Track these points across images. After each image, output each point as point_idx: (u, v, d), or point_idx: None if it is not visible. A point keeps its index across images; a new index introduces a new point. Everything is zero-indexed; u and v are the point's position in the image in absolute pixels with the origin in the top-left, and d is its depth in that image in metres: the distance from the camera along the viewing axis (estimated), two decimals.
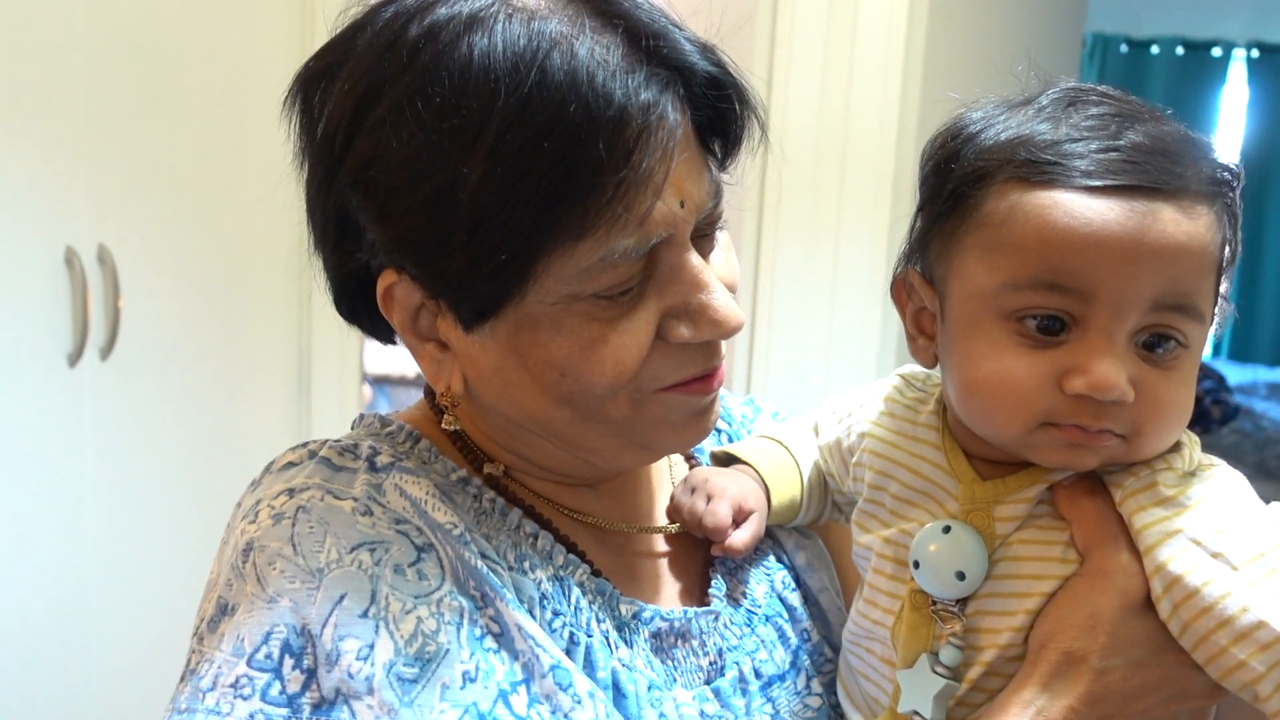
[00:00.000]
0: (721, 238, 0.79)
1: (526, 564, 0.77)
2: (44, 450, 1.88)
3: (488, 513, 0.79)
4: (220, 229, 2.12)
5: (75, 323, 1.88)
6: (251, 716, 0.65)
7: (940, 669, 0.76)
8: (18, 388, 1.83)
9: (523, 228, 0.68)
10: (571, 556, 0.80)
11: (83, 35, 1.84)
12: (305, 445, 0.79)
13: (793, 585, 0.91)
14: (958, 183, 0.75)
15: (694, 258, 0.74)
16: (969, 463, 0.79)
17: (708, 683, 0.82)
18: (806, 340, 1.96)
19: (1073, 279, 0.70)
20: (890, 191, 1.87)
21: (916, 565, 0.77)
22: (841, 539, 0.93)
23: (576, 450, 0.80)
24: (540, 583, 0.77)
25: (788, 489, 0.90)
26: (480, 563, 0.73)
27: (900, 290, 0.82)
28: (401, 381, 4.06)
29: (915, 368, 0.87)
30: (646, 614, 0.81)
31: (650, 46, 0.71)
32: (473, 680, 0.68)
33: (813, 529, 0.97)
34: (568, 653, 0.75)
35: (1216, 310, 0.76)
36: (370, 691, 0.66)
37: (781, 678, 0.85)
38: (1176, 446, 0.76)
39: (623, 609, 0.80)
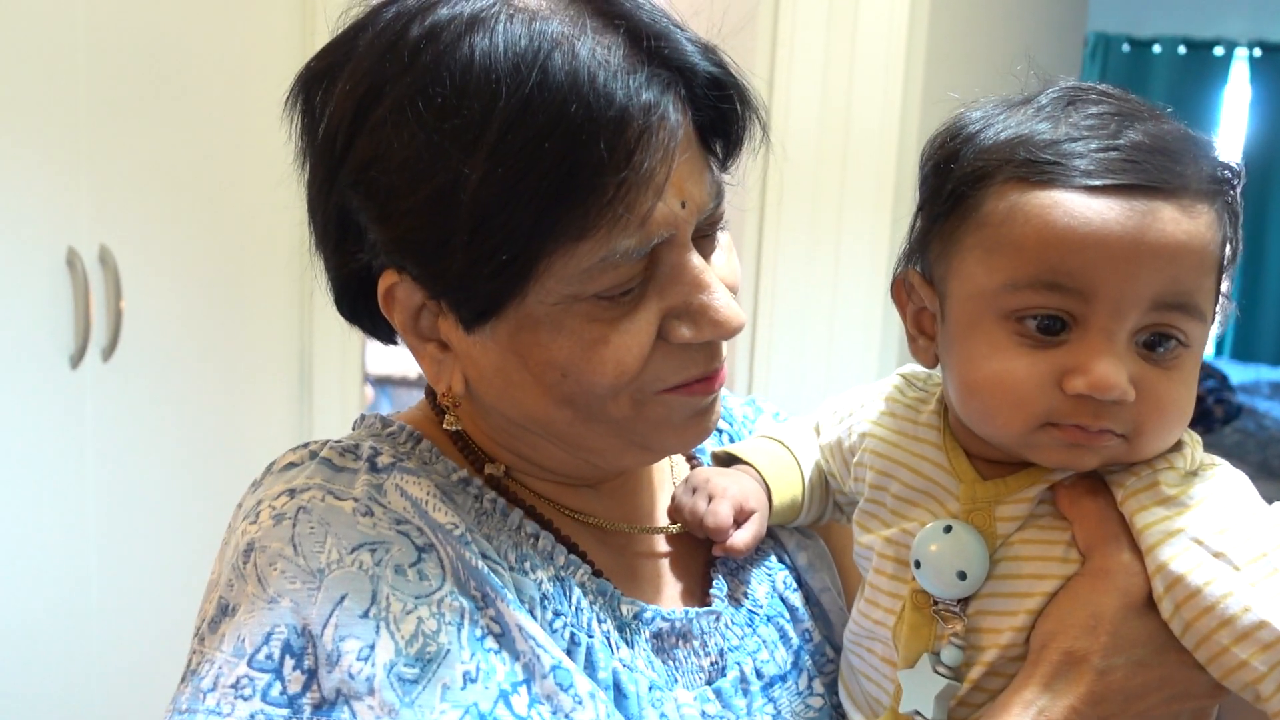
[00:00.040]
0: (723, 238, 0.79)
1: (527, 564, 0.77)
2: (46, 451, 1.88)
3: (489, 513, 0.79)
4: (222, 230, 2.12)
5: (77, 324, 1.88)
6: (252, 717, 0.65)
7: (942, 669, 0.76)
8: (19, 389, 1.83)
9: (524, 228, 0.68)
10: (572, 557, 0.80)
11: (84, 36, 1.84)
12: (306, 446, 0.79)
13: (794, 585, 0.91)
14: (957, 183, 0.75)
15: (695, 258, 0.74)
16: (970, 462, 0.79)
17: (709, 683, 0.82)
18: (808, 340, 1.96)
19: (1073, 278, 0.70)
20: (891, 192, 1.87)
21: (918, 565, 0.77)
22: (843, 539, 0.93)
23: (577, 451, 0.80)
24: (541, 583, 0.77)
25: (789, 489, 0.90)
26: (481, 563, 0.73)
27: (900, 290, 0.82)
28: (403, 382, 4.07)
29: (916, 367, 0.87)
30: (648, 614, 0.81)
31: (652, 47, 0.71)
32: (473, 681, 0.68)
33: (814, 529, 0.97)
34: (569, 653, 0.75)
35: (1218, 309, 0.76)
36: (371, 692, 0.66)
37: (783, 678, 0.85)
38: (1178, 446, 0.76)
39: (624, 609, 0.80)
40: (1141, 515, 0.73)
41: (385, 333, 0.81)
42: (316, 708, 0.66)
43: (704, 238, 0.77)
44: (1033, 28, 2.44)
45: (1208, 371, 4.81)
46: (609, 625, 0.78)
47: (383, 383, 4.14)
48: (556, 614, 0.76)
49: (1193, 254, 0.70)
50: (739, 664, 0.83)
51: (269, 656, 0.67)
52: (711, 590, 0.86)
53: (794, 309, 1.96)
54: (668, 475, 0.93)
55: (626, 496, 0.88)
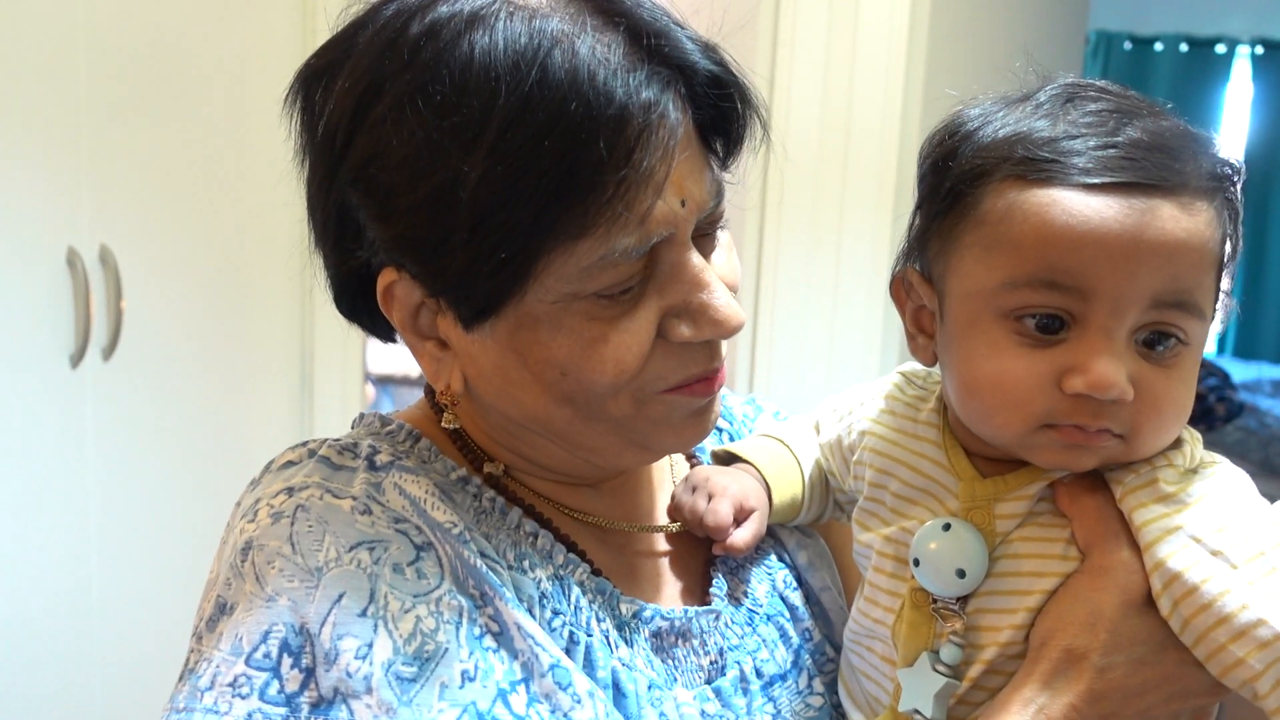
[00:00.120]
0: (723, 237, 0.79)
1: (526, 563, 0.77)
2: (46, 451, 1.89)
3: (487, 512, 0.79)
4: (222, 229, 2.12)
5: (77, 323, 1.88)
6: (250, 715, 0.65)
7: (941, 667, 0.75)
8: (20, 388, 1.83)
9: (523, 226, 0.68)
10: (571, 555, 0.80)
11: (84, 36, 1.84)
12: (305, 444, 0.79)
13: (794, 584, 0.91)
14: (955, 181, 0.74)
15: (695, 257, 0.74)
16: (969, 460, 0.79)
17: (708, 682, 0.82)
18: (808, 339, 1.96)
19: (1071, 277, 0.70)
20: (892, 190, 1.87)
21: (917, 563, 0.77)
22: (843, 538, 0.93)
23: (577, 449, 0.80)
24: (540, 582, 0.77)
25: (789, 487, 0.90)
26: (480, 562, 0.73)
27: (899, 289, 0.82)
28: (405, 381, 4.07)
29: (916, 365, 0.87)
30: (647, 613, 0.81)
31: (651, 45, 0.71)
32: (471, 679, 0.68)
33: (814, 528, 0.97)
34: (567, 652, 0.75)
35: (1219, 307, 0.76)
36: (369, 690, 0.66)
37: (783, 677, 0.85)
38: (1178, 443, 0.76)
39: (623, 608, 0.80)
40: (1140, 512, 0.73)
41: (384, 331, 0.81)
42: (314, 706, 0.66)
43: (704, 236, 0.76)
44: (1034, 26, 2.43)
45: (1209, 369, 4.80)
46: (608, 624, 0.78)
47: (384, 382, 4.14)
48: (555, 613, 0.76)
49: (1192, 252, 0.70)
50: (739, 663, 0.83)
51: (267, 655, 0.67)
52: (711, 589, 0.86)
53: (794, 308, 1.96)
54: (668, 474, 0.93)
55: (626, 495, 0.88)
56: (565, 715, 0.70)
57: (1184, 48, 6.26)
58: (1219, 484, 0.74)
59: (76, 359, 1.89)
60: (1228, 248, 0.74)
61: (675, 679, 0.80)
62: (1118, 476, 0.75)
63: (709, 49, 0.75)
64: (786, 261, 1.95)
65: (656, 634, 0.81)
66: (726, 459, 0.92)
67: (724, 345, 0.78)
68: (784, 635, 0.87)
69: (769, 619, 0.87)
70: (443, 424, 0.81)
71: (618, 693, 0.75)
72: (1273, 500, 0.76)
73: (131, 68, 1.92)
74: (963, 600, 0.76)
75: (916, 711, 0.76)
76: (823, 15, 1.87)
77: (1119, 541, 0.73)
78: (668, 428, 0.78)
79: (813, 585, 0.92)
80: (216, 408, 2.16)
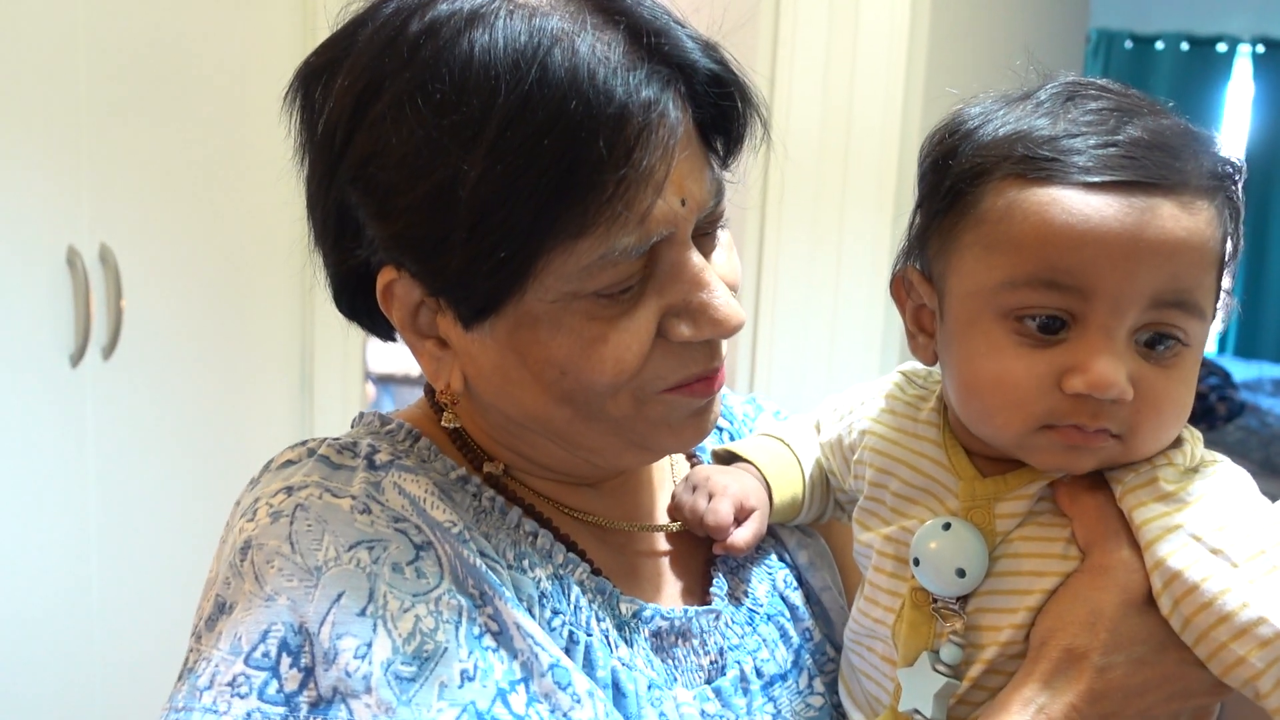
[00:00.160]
0: (723, 236, 0.79)
1: (526, 562, 0.77)
2: (46, 450, 1.89)
3: (487, 511, 0.79)
4: (222, 228, 2.12)
5: (77, 323, 1.88)
6: (249, 715, 0.65)
7: (941, 667, 0.75)
8: (20, 388, 1.83)
9: (523, 225, 0.68)
10: (571, 555, 0.80)
11: (84, 35, 1.84)
12: (304, 443, 0.79)
13: (795, 584, 0.91)
14: (955, 179, 0.74)
15: (695, 256, 0.74)
16: (970, 460, 0.79)
17: (708, 682, 0.81)
18: (809, 338, 1.96)
19: (1071, 276, 0.69)
20: (893, 189, 1.87)
21: (917, 563, 0.77)
22: (844, 538, 0.93)
23: (576, 449, 0.80)
24: (540, 581, 0.76)
25: (790, 487, 0.90)
26: (479, 561, 0.73)
27: (900, 288, 0.82)
28: (406, 380, 4.07)
29: (917, 365, 0.86)
30: (647, 613, 0.81)
31: (652, 44, 0.70)
32: (471, 679, 0.68)
33: (815, 527, 0.97)
34: (567, 651, 0.74)
35: (1220, 306, 0.75)
36: (368, 690, 0.66)
37: (783, 677, 0.85)
38: (1178, 442, 0.76)
39: (623, 608, 0.80)
40: (1140, 511, 0.73)
41: (384, 330, 0.81)
42: (313, 706, 0.66)
43: (704, 236, 0.76)
44: (1035, 25, 2.43)
45: (1210, 368, 4.80)
46: (608, 624, 0.78)
47: (385, 381, 4.14)
48: (555, 612, 0.76)
49: (1192, 251, 0.70)
50: (739, 663, 0.83)
51: (266, 654, 0.67)
52: (711, 589, 0.86)
53: (795, 307, 1.96)
54: (668, 473, 0.93)
55: (626, 495, 0.88)
56: (565, 715, 0.70)
57: (1185, 46, 6.26)
58: (1219, 483, 0.74)
59: (76, 358, 1.89)
60: (1229, 247, 0.74)
61: (675, 679, 0.80)
62: (1118, 475, 0.75)
63: (709, 47, 0.75)
64: (787, 260, 1.95)
65: (656, 634, 0.81)
66: (727, 458, 0.92)
67: (724, 345, 0.78)
68: (784, 635, 0.87)
69: (769, 619, 0.87)
70: (442, 423, 0.81)
71: (617, 692, 0.75)
72: (1274, 499, 0.76)
73: (132, 67, 1.92)
74: (963, 600, 0.76)
75: (917, 711, 0.76)
76: (823, 14, 1.87)
77: (1119, 540, 0.73)
78: (667, 428, 0.77)
79: (813, 585, 0.92)
80: (217, 407, 2.16)
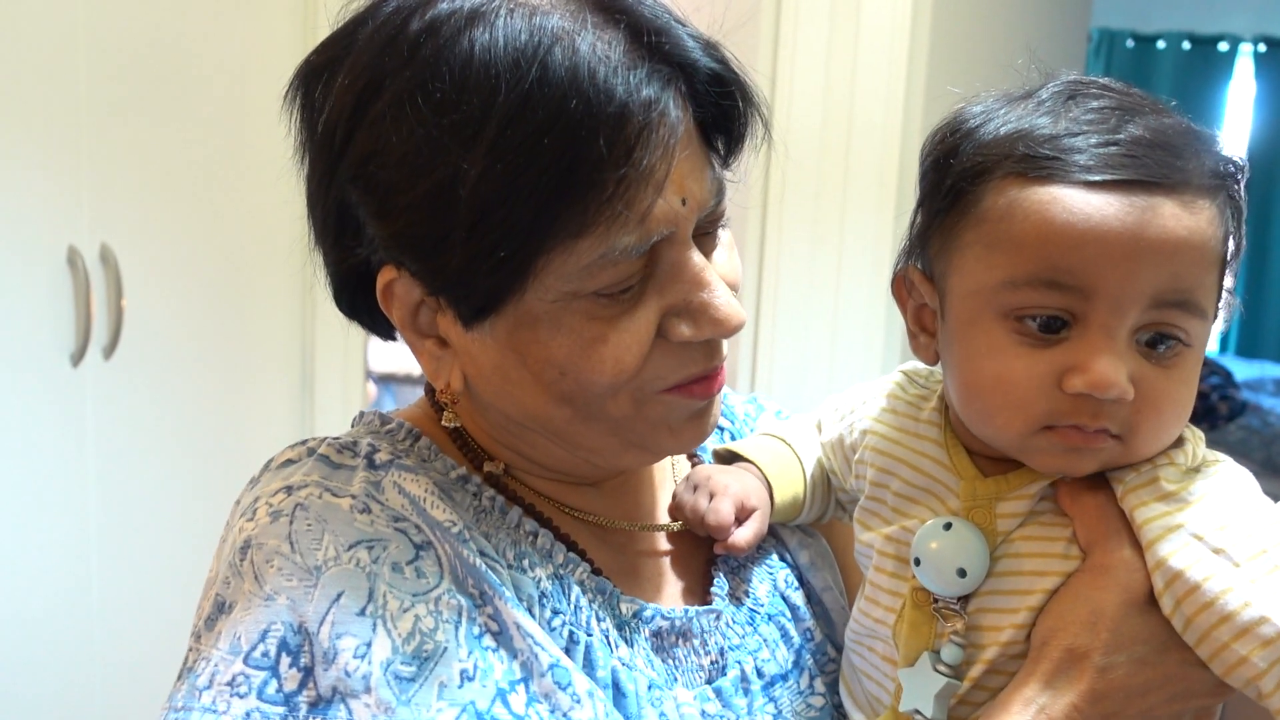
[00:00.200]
0: (724, 236, 0.79)
1: (526, 562, 0.77)
2: (47, 450, 1.89)
3: (487, 511, 0.79)
4: (223, 228, 2.12)
5: (78, 322, 1.88)
6: (248, 715, 0.65)
7: (942, 667, 0.75)
8: (21, 387, 1.83)
9: (522, 224, 0.68)
10: (571, 555, 0.79)
11: (84, 34, 1.84)
12: (304, 443, 0.79)
13: (796, 584, 0.91)
14: (957, 178, 0.74)
15: (695, 256, 0.74)
16: (971, 459, 0.79)
17: (709, 682, 0.81)
18: (810, 338, 1.96)
19: (1072, 276, 0.69)
20: (894, 188, 1.87)
21: (918, 562, 0.77)
22: (845, 538, 0.93)
23: (576, 449, 0.79)
24: (540, 581, 0.76)
25: (791, 486, 0.90)
26: (479, 561, 0.73)
27: (901, 287, 0.82)
28: (408, 380, 4.06)
29: (918, 364, 0.86)
30: (647, 613, 0.80)
31: (652, 43, 0.70)
32: (470, 679, 0.68)
33: (816, 527, 0.97)
34: (567, 651, 0.74)
35: (1222, 305, 0.75)
36: (367, 690, 0.66)
37: (784, 677, 0.85)
38: (1179, 442, 0.75)
39: (623, 608, 0.80)
40: (1141, 511, 0.73)
41: (384, 329, 0.81)
42: (313, 705, 0.66)
43: (705, 235, 0.76)
44: (1036, 24, 2.43)
45: (1212, 368, 4.79)
46: (608, 624, 0.78)
47: (386, 380, 4.14)
48: (555, 612, 0.76)
49: (1193, 250, 0.70)
50: (740, 663, 0.83)
51: (265, 654, 0.66)
52: (712, 589, 0.86)
53: (796, 306, 1.96)
54: (669, 473, 0.93)
55: (627, 494, 0.88)
56: (565, 715, 0.70)
57: (1186, 46, 6.25)
58: (1221, 482, 0.74)
59: (77, 358, 1.89)
60: (1231, 246, 0.74)
61: (675, 679, 0.80)
62: (1119, 475, 0.75)
63: (710, 46, 0.74)
64: (788, 260, 1.95)
65: (657, 633, 0.80)
66: (728, 458, 0.92)
67: (724, 344, 0.78)
68: (785, 635, 0.87)
69: (770, 619, 0.87)
70: (442, 422, 0.81)
71: (617, 692, 0.75)
72: (1276, 499, 0.75)
73: (132, 67, 1.92)
74: (964, 600, 0.76)
75: (917, 711, 0.76)
76: (824, 12, 1.87)
77: (1120, 540, 0.73)
78: (666, 429, 0.77)
79: (814, 585, 0.91)
80: (217, 406, 2.16)
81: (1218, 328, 0.77)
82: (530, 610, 0.74)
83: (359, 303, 0.79)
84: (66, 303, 1.87)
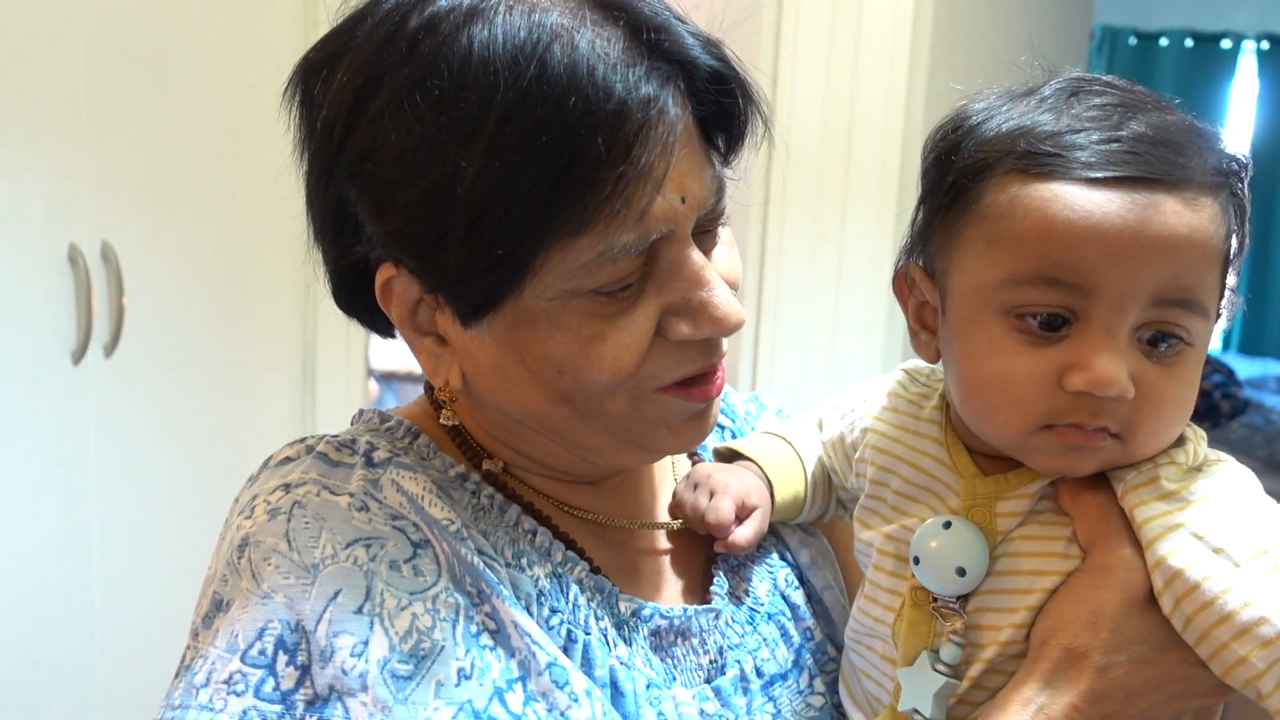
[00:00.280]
0: (724, 234, 0.78)
1: (524, 561, 0.77)
2: (48, 448, 1.89)
3: (486, 509, 0.78)
4: (224, 225, 2.12)
5: (79, 320, 1.88)
6: (245, 713, 0.65)
7: (941, 666, 0.75)
8: (21, 385, 1.83)
9: (520, 222, 0.67)
10: (570, 553, 0.79)
11: (85, 32, 1.84)
12: (303, 440, 0.79)
13: (796, 583, 0.91)
14: (958, 175, 0.74)
15: (695, 254, 0.73)
16: (971, 458, 0.78)
17: (708, 681, 0.81)
18: (811, 336, 1.95)
19: (1073, 273, 0.69)
20: (895, 186, 1.87)
21: (917, 561, 0.76)
22: (846, 537, 0.93)
23: (575, 448, 0.79)
24: (538, 580, 0.76)
25: (791, 485, 0.90)
26: (477, 559, 0.73)
27: (902, 284, 0.82)
28: (409, 378, 4.06)
29: (919, 362, 0.86)
30: (646, 612, 0.80)
31: (652, 40, 0.70)
32: (468, 677, 0.68)
33: (817, 526, 0.96)
34: (565, 650, 0.74)
35: (1225, 303, 0.75)
36: (364, 688, 0.65)
37: (784, 676, 0.85)
38: (1180, 441, 0.75)
39: (622, 606, 0.79)
40: (1142, 510, 0.73)
41: (384, 326, 0.81)
42: (309, 704, 0.66)
43: (705, 233, 0.76)
44: (1038, 21, 2.43)
45: (1214, 366, 4.79)
46: (606, 622, 0.78)
47: (388, 378, 4.14)
48: (553, 611, 0.76)
49: (1195, 248, 0.69)
50: (739, 662, 0.83)
51: (262, 652, 0.66)
52: (712, 587, 0.86)
53: (797, 304, 1.96)
54: (669, 471, 0.93)
55: (627, 492, 0.88)
56: (562, 714, 0.70)
57: (1189, 43, 6.25)
58: (1222, 482, 0.74)
59: (78, 356, 1.89)
60: (1233, 244, 0.74)
61: (674, 678, 0.80)
62: (1119, 474, 0.74)
63: (710, 44, 0.74)
64: (789, 258, 1.95)
65: (655, 632, 0.80)
66: (729, 456, 0.92)
67: (724, 343, 0.78)
68: (785, 634, 0.87)
69: (770, 618, 0.87)
70: (441, 420, 0.81)
71: (615, 691, 0.75)
72: (1278, 497, 0.75)
73: (133, 64, 1.92)
74: (963, 599, 0.76)
75: (916, 711, 0.75)
76: (826, 10, 1.86)
77: (1120, 539, 0.73)
78: (665, 429, 0.77)
79: (815, 584, 0.91)
80: (219, 404, 2.16)
81: (1220, 326, 0.77)
82: (528, 609, 0.74)
83: (358, 300, 0.79)
84: (67, 301, 1.87)
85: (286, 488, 0.73)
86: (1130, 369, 0.70)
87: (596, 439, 0.77)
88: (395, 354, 3.93)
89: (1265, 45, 6.16)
